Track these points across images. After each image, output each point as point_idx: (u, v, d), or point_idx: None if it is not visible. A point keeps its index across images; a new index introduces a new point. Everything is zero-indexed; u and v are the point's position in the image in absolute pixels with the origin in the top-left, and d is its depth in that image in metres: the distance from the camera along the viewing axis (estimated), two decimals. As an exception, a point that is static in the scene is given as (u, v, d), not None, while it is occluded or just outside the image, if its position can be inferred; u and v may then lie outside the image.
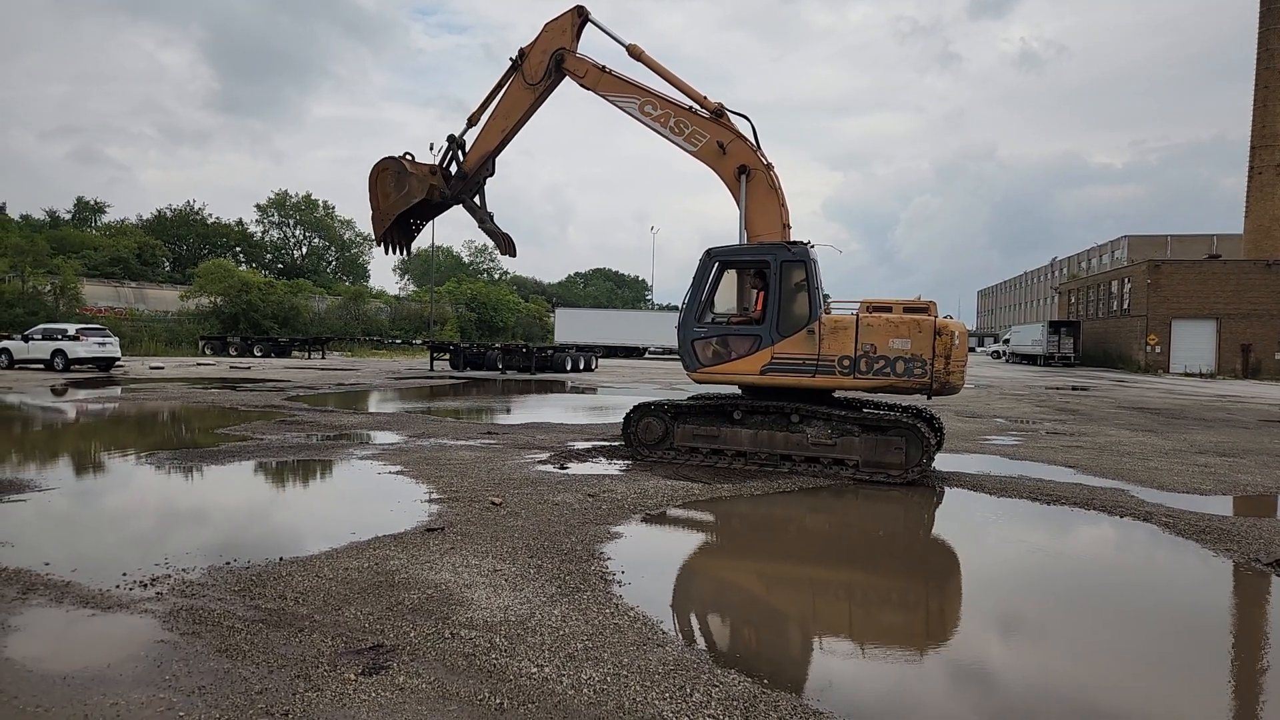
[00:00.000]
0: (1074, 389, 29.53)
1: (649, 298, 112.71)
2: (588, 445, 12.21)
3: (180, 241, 74.73)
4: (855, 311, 10.08)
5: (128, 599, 5.02)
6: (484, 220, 13.74)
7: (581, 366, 36.54)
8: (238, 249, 77.01)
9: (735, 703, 3.80)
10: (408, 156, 13.22)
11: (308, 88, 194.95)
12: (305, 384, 24.29)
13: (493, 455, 11.02)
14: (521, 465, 10.27)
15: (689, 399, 11.20)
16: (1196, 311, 45.75)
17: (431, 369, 34.92)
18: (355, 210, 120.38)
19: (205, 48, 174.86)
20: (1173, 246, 77.15)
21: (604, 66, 11.97)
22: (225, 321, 48.84)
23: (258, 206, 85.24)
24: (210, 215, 77.54)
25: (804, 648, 4.92)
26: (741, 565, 6.60)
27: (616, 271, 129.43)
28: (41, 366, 28.00)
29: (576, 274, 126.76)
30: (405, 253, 14.60)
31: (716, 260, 10.62)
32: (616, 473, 9.92)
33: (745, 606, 5.67)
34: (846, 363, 9.84)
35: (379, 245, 14.16)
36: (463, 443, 12.21)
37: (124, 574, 5.47)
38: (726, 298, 11.11)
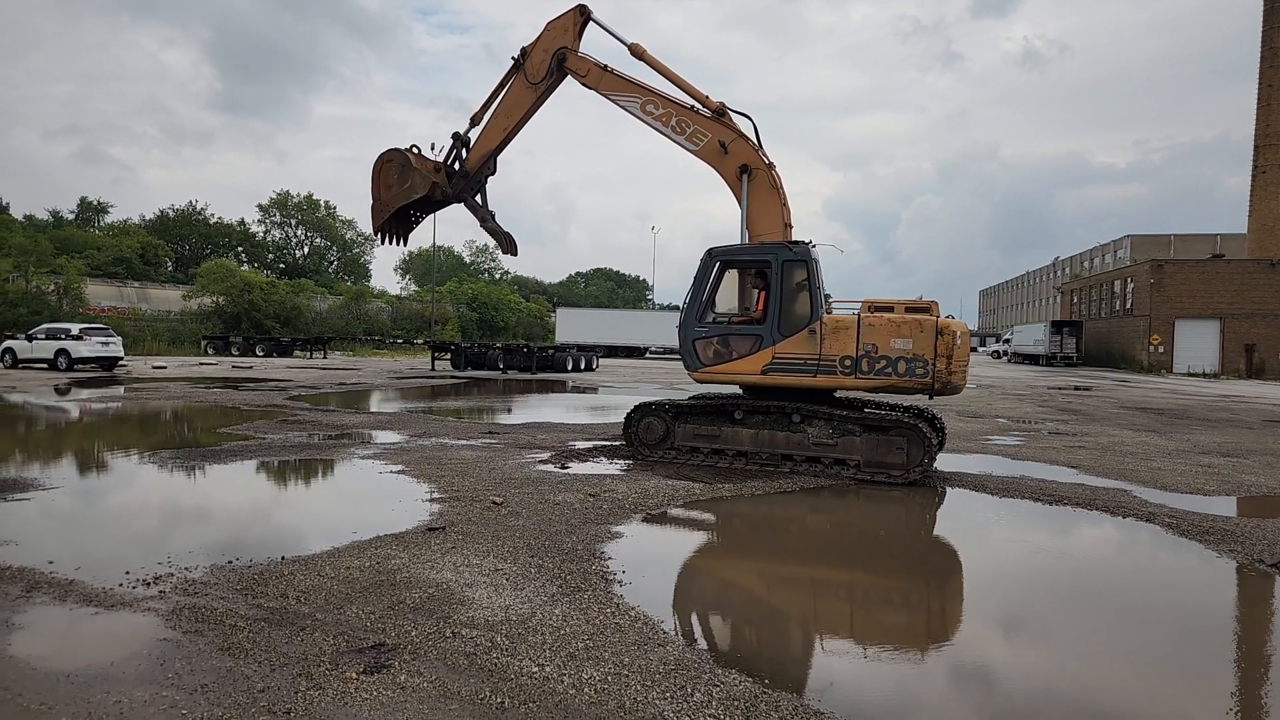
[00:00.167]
0: (1076, 389, 29.49)
1: (650, 297, 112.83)
2: (589, 445, 12.22)
3: (183, 241, 74.87)
4: (857, 311, 10.07)
5: (131, 597, 5.03)
6: (485, 219, 13.74)
7: (583, 366, 36.56)
8: (240, 249, 77.16)
9: (736, 702, 3.80)
10: (414, 149, 13.18)
11: (311, 87, 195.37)
12: (307, 383, 24.32)
13: (494, 455, 11.03)
14: (523, 465, 10.28)
15: (690, 399, 11.20)
16: (1200, 311, 45.68)
17: (433, 369, 34.95)
18: (357, 210, 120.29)
19: (208, 47, 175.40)
20: (1176, 246, 77.04)
21: (606, 65, 11.97)
22: (227, 321, 48.94)
23: (259, 206, 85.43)
24: (213, 215, 77.84)
25: (805, 648, 4.92)
26: (743, 565, 6.60)
27: (618, 271, 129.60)
28: (45, 366, 28.07)
29: (578, 273, 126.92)
30: (402, 243, 14.57)
31: (718, 260, 10.62)
32: (617, 472, 9.92)
33: (746, 606, 5.68)
34: (848, 363, 9.84)
35: (376, 235, 14.09)
36: (464, 442, 12.22)
37: (127, 572, 5.48)
38: (728, 297, 11.10)
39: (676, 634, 4.75)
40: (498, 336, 63.13)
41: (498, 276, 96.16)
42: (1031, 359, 58.48)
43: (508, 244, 14.20)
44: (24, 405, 17.37)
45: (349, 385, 24.46)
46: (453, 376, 30.83)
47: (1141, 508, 8.54)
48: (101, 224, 74.82)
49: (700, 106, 11.37)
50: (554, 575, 5.69)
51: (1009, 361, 64.05)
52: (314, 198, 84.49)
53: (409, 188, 13.13)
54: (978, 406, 20.62)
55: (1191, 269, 47.52)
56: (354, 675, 3.97)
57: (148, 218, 75.17)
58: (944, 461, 11.07)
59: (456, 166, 13.28)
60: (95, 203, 77.18)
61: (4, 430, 13.75)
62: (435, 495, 8.36)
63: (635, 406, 11.17)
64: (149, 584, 5.28)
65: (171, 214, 75.45)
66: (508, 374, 33.27)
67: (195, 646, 4.29)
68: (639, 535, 7.10)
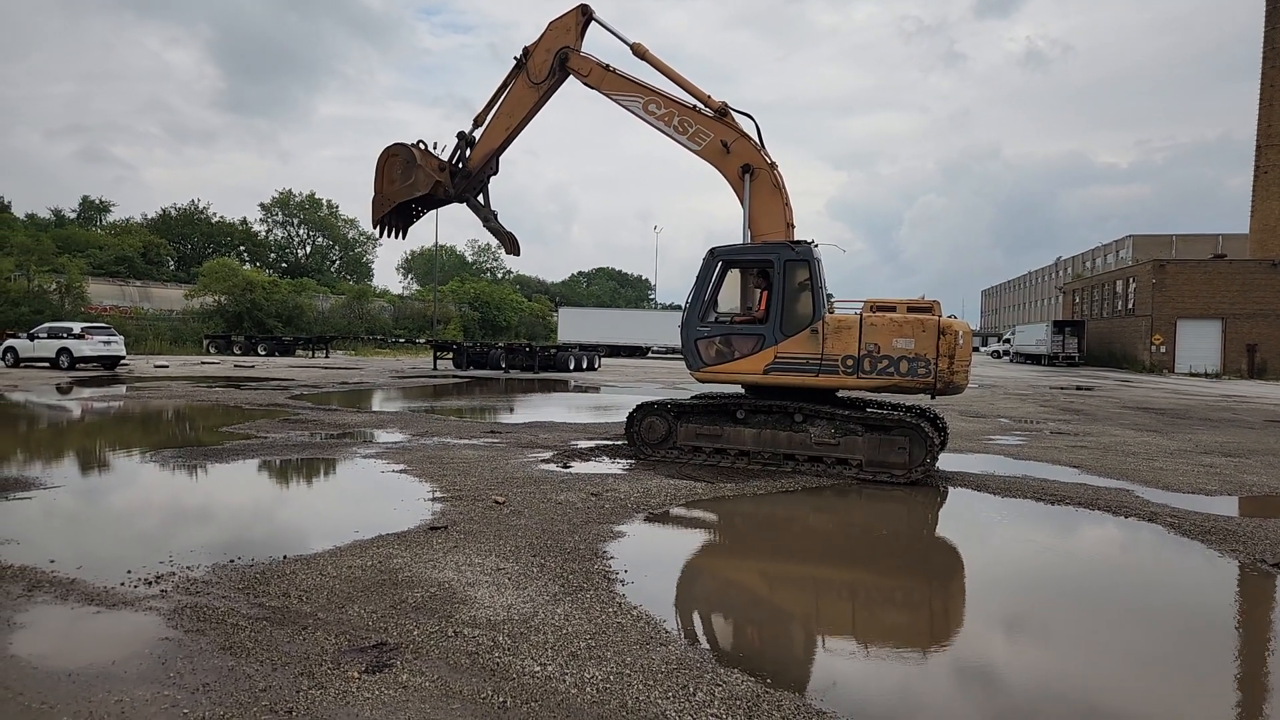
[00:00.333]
0: (1078, 389, 29.46)
1: (652, 297, 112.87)
2: (591, 444, 12.22)
3: (185, 240, 74.91)
4: (859, 311, 10.07)
5: (132, 596, 5.03)
6: (488, 219, 13.74)
7: (585, 366, 36.57)
8: (242, 248, 77.21)
9: (738, 702, 3.80)
10: (420, 145, 13.15)
11: (314, 87, 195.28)
12: (309, 383, 24.33)
13: (496, 454, 11.03)
14: (525, 464, 10.28)
15: (692, 398, 11.20)
16: (1202, 311, 45.63)
17: (435, 368, 34.96)
18: (360, 209, 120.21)
19: (212, 47, 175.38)
20: (1178, 246, 76.96)
21: (608, 65, 11.96)
22: (229, 320, 48.97)
23: (261, 206, 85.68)
24: (215, 214, 77.89)
25: (807, 647, 4.91)
26: (745, 564, 6.59)
27: (620, 270, 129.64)
28: (47, 365, 28.10)
29: (580, 273, 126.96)
30: (401, 236, 14.56)
31: (720, 259, 10.61)
32: (620, 472, 9.92)
33: (748, 606, 5.67)
34: (850, 362, 9.83)
35: (375, 228, 14.06)
36: (466, 441, 12.22)
37: (129, 571, 5.48)
38: (730, 297, 11.10)
39: (679, 633, 4.74)
40: (500, 336, 63.15)
41: (500, 276, 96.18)
42: (1034, 359, 58.44)
43: (510, 244, 14.20)
44: (26, 404, 17.39)
45: (351, 384, 24.47)
46: (455, 376, 30.84)
47: (1144, 508, 8.52)
48: (103, 223, 74.90)
49: (702, 106, 11.36)
50: (556, 574, 5.69)
51: (1011, 361, 64.01)
52: (316, 197, 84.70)
53: (412, 184, 13.12)
54: (980, 406, 20.60)
55: (1193, 269, 47.47)
56: (356, 674, 3.97)
57: (150, 217, 75.35)
58: (946, 461, 11.06)
59: (460, 166, 13.28)
60: (97, 202, 77.33)
61: (6, 429, 13.77)
62: (437, 494, 8.36)
63: (637, 406, 11.16)
64: (150, 583, 5.28)
65: (173, 213, 75.52)
66: (510, 373, 33.27)
67: (197, 645, 4.29)
68: (641, 534, 7.09)
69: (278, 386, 22.47)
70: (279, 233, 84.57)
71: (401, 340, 50.57)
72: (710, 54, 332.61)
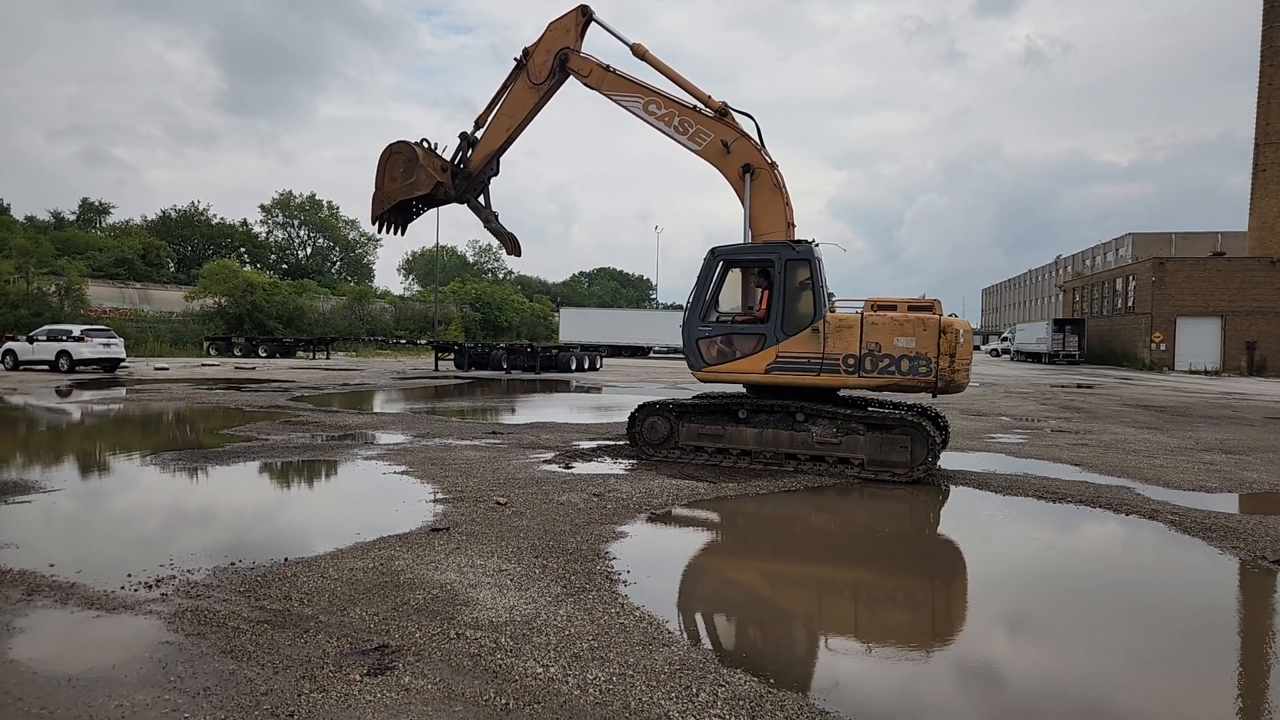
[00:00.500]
0: (1079, 387, 29.45)
1: (653, 297, 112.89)
2: (593, 445, 12.21)
3: (185, 242, 74.91)
4: (860, 310, 10.06)
5: (133, 600, 5.02)
6: (489, 220, 13.72)
7: (586, 366, 36.55)
8: (242, 249, 77.20)
9: (741, 702, 3.79)
10: (424, 143, 13.12)
11: (316, 88, 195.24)
12: (310, 384, 24.33)
13: (498, 455, 11.02)
14: (526, 465, 10.27)
15: (694, 398, 11.19)
16: (1201, 309, 45.62)
17: (436, 369, 34.96)
18: (360, 210, 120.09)
19: (214, 48, 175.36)
20: (1178, 244, 76.91)
21: (608, 66, 11.95)
22: (230, 322, 48.96)
23: (262, 207, 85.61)
24: (215, 216, 77.93)
25: (810, 647, 4.90)
26: (747, 564, 6.58)
27: (621, 271, 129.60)
28: (47, 368, 28.10)
29: (581, 273, 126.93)
30: (400, 233, 14.50)
31: (721, 259, 10.61)
32: (621, 472, 9.91)
33: (751, 606, 5.66)
34: (851, 361, 9.82)
35: (374, 224, 14.02)
36: (467, 443, 12.21)
37: (129, 575, 5.47)
38: (731, 297, 11.10)
39: (681, 634, 4.73)
40: (501, 336, 63.17)
41: (501, 276, 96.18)
42: (1034, 357, 58.43)
43: (511, 245, 14.18)
44: (25, 407, 17.38)
45: (352, 386, 24.46)
46: (456, 377, 30.83)
47: (1144, 505, 8.51)
48: (103, 225, 74.91)
49: (703, 106, 11.35)
50: (558, 576, 5.67)
51: (1011, 360, 63.99)
52: (317, 198, 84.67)
53: (413, 183, 13.10)
54: (981, 404, 20.59)
55: (1193, 267, 47.45)
56: (358, 677, 3.96)
57: (150, 218, 75.37)
58: (948, 460, 11.05)
59: (462, 167, 13.26)
60: (97, 203, 77.40)
61: (5, 432, 13.76)
62: (439, 496, 8.35)
63: (639, 406, 11.15)
64: (151, 586, 5.27)
65: (173, 215, 75.55)
66: (511, 374, 33.27)
67: (198, 649, 4.28)
68: (643, 535, 7.08)
69: (278, 388, 22.46)
70: (279, 234, 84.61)
71: (403, 341, 50.57)
72: (710, 54, 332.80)
